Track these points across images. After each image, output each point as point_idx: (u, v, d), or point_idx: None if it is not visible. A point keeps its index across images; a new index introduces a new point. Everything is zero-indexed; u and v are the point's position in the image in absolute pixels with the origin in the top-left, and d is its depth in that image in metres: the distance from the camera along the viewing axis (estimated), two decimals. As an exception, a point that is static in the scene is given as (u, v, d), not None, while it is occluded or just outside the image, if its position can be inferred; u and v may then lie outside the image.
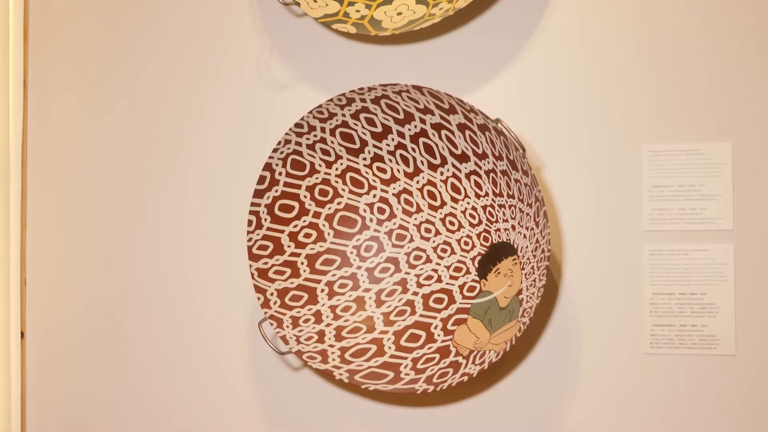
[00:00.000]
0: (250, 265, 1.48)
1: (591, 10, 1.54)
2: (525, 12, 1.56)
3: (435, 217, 1.52)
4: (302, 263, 1.51)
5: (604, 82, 1.52)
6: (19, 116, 1.73)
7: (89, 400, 1.71)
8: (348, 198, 1.53)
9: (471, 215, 1.50)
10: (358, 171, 1.53)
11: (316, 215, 1.53)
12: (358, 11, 1.54)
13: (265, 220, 1.50)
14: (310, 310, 1.50)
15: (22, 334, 1.73)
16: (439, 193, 1.51)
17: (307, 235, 1.52)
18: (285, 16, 1.65)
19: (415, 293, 1.52)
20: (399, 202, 1.53)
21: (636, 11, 1.52)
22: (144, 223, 1.70)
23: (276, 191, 1.50)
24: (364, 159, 1.52)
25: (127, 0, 1.73)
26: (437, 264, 1.52)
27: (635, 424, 1.50)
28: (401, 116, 1.47)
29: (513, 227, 1.45)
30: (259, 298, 1.47)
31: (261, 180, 1.49)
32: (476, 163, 1.47)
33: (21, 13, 1.74)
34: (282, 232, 1.51)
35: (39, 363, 1.73)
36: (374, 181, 1.53)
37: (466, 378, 1.37)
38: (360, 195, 1.54)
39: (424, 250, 1.53)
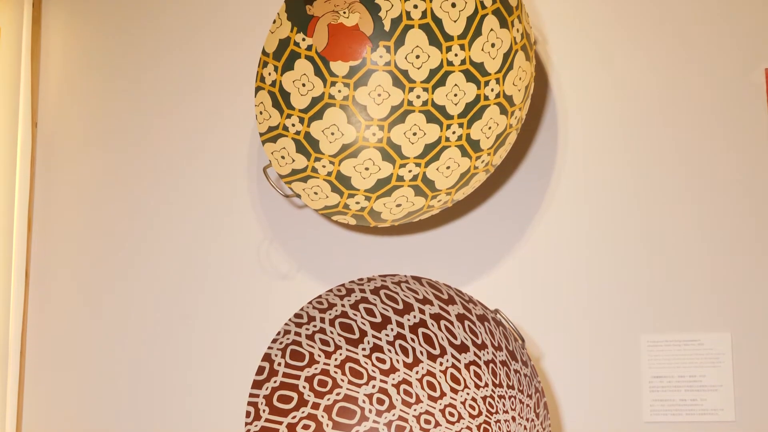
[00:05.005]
0: (248, 458, 1.47)
1: (588, 201, 1.57)
2: (522, 203, 1.59)
3: (435, 408, 1.51)
4: (300, 456, 1.50)
5: (602, 272, 1.54)
6: (19, 304, 1.74)
7: None
8: (347, 389, 1.53)
9: (471, 406, 1.48)
10: (357, 361, 1.53)
11: (315, 406, 1.51)
12: (357, 203, 1.57)
13: (264, 411, 1.49)
14: (307, 504, 1.47)
15: None
16: (439, 383, 1.51)
17: (306, 427, 1.51)
18: (286, 206, 1.69)
19: (415, 487, 1.49)
20: (398, 393, 1.52)
21: (634, 201, 1.55)
22: (140, 415, 1.68)
23: (275, 382, 1.49)
24: (364, 349, 1.52)
25: (126, 185, 1.77)
26: (437, 456, 1.50)
27: None
28: (400, 307, 1.48)
29: (513, 418, 1.43)
30: (255, 493, 1.45)
31: (260, 371, 1.49)
32: (476, 354, 1.47)
33: (26, 200, 1.78)
34: (280, 423, 1.49)
35: None
36: (373, 371, 1.53)
37: None
38: (359, 386, 1.53)
39: (424, 442, 1.51)
